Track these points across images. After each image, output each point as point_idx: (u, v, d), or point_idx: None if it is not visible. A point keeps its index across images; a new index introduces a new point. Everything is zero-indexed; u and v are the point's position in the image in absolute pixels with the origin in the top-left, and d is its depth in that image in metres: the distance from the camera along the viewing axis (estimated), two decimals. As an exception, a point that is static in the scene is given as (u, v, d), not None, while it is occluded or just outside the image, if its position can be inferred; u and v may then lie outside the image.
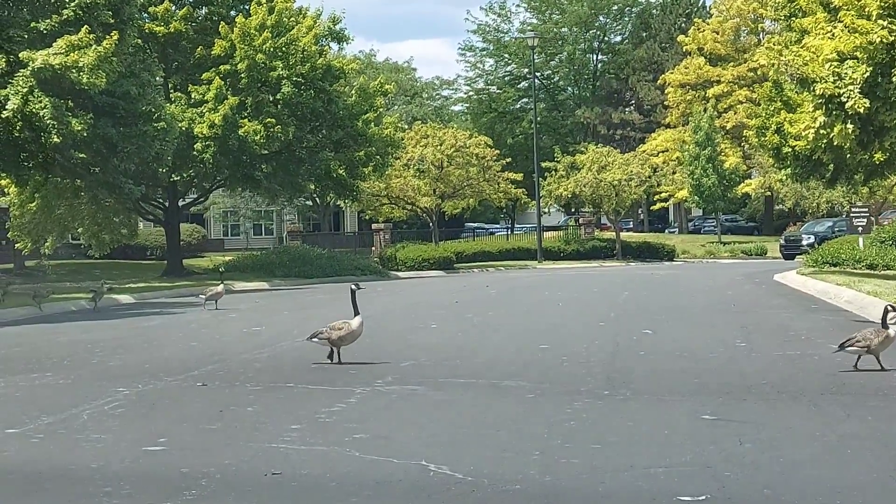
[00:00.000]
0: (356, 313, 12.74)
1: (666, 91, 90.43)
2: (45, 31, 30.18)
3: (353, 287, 13.07)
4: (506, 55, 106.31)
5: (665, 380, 11.28)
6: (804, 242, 57.48)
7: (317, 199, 69.03)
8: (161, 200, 47.48)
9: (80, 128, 28.95)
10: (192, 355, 14.87)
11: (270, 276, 43.02)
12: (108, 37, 29.98)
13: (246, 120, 41.39)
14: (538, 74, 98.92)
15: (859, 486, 6.62)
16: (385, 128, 47.92)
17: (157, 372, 12.86)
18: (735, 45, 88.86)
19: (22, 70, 28.83)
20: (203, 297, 25.19)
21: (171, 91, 44.45)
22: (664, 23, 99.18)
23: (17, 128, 28.93)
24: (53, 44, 29.28)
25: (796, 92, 26.31)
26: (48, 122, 28.43)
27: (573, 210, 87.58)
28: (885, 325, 12.25)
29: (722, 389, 10.47)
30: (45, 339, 18.71)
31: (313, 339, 13.00)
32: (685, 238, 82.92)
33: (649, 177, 65.50)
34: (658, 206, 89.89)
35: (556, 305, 23.87)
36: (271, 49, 42.25)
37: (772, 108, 28.84)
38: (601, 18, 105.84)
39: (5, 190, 41.77)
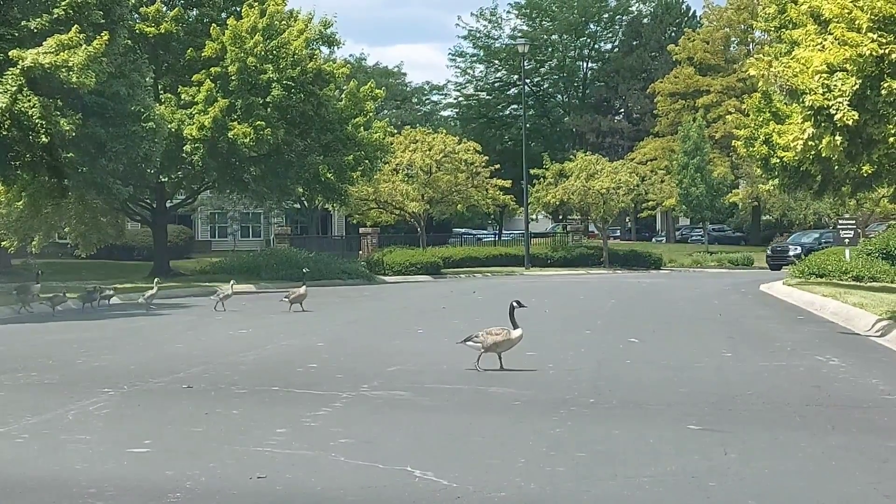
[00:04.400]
0: (515, 326, 12.69)
1: (655, 100, 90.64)
2: (35, 30, 30.07)
3: (514, 304, 13.01)
4: (496, 61, 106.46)
5: (651, 389, 11.29)
6: (791, 253, 57.56)
7: (305, 202, 68.86)
8: (149, 201, 47.33)
9: (68, 127, 28.85)
10: (178, 357, 14.83)
11: (257, 278, 42.89)
12: (98, 37, 29.88)
13: (235, 122, 41.31)
14: (528, 81, 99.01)
15: (844, 498, 6.64)
16: (374, 132, 47.87)
17: (142, 373, 12.83)
18: (725, 56, 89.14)
19: (11, 69, 28.72)
20: (286, 299, 24.77)
21: (161, 92, 44.34)
22: (654, 31, 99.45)
23: (6, 126, 28.81)
24: (43, 43, 29.18)
25: (785, 103, 26.37)
26: (37, 121, 28.32)
27: (561, 217, 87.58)
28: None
29: (708, 399, 10.48)
30: (30, 338, 18.64)
31: (467, 343, 12.86)
32: (672, 247, 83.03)
33: (637, 185, 65.55)
34: (646, 214, 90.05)
35: (542, 312, 23.89)
36: (262, 52, 42.19)
37: (760, 119, 28.91)
38: (591, 26, 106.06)
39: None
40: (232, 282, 26.70)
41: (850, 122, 17.25)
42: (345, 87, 48.11)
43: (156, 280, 28.21)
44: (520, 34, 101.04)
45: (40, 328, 20.96)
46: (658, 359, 14.09)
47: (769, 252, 63.95)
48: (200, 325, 21.49)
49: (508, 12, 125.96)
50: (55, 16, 30.40)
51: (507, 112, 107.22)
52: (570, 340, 16.41)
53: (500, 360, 12.70)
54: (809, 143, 18.11)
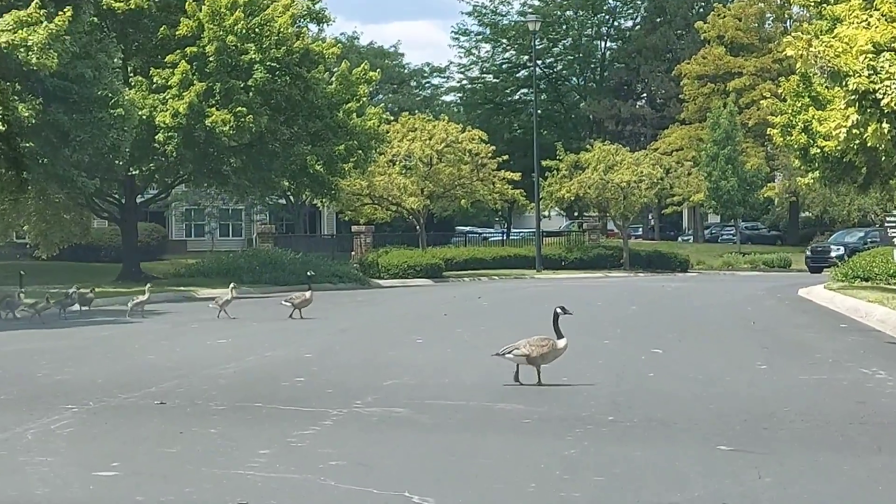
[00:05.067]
0: (559, 336, 12.69)
1: (681, 83, 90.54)
2: (-10, 6, 30.10)
3: (558, 310, 13.00)
4: (504, 40, 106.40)
5: (676, 405, 11.29)
6: (832, 254, 57.56)
7: (291, 197, 68.76)
8: (117, 196, 47.33)
9: (27, 114, 28.88)
10: (150, 370, 14.83)
11: (238, 281, 42.83)
12: (60, 13, 29.91)
13: (214, 108, 41.31)
14: (539, 62, 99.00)
15: (891, 526, 6.63)
16: (368, 119, 47.86)
17: (110, 388, 12.83)
18: (759, 34, 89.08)
19: (-37, 48, 28.75)
20: (288, 303, 24.77)
21: (131, 75, 44.33)
22: (680, 7, 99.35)
23: (-43, 113, 28.84)
24: None
25: (826, 87, 26.37)
26: (-8, 106, 28.34)
27: (576, 214, 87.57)
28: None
29: (739, 417, 10.48)
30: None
31: (506, 356, 12.77)
32: (700, 247, 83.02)
33: (661, 178, 65.53)
34: (671, 210, 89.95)
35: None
36: (243, 30, 42.18)
37: (799, 105, 28.90)
38: (610, 1, 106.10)
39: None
40: (232, 285, 26.63)
41: (898, 108, 17.25)
42: (335, 70, 48.11)
43: (147, 285, 28.18)
44: (530, 10, 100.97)
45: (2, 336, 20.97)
46: (684, 371, 14.08)
47: (808, 253, 63.94)
48: (175, 333, 21.49)
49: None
50: (13, -10, 30.43)
51: (517, 97, 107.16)
52: (586, 351, 16.41)
53: (538, 375, 12.67)
54: (853, 130, 18.12)
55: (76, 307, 27.32)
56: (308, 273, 27.97)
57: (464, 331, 20.94)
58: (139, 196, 48.44)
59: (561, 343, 12.68)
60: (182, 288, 39.48)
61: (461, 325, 22.41)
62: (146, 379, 13.68)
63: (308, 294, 24.88)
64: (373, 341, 19.22)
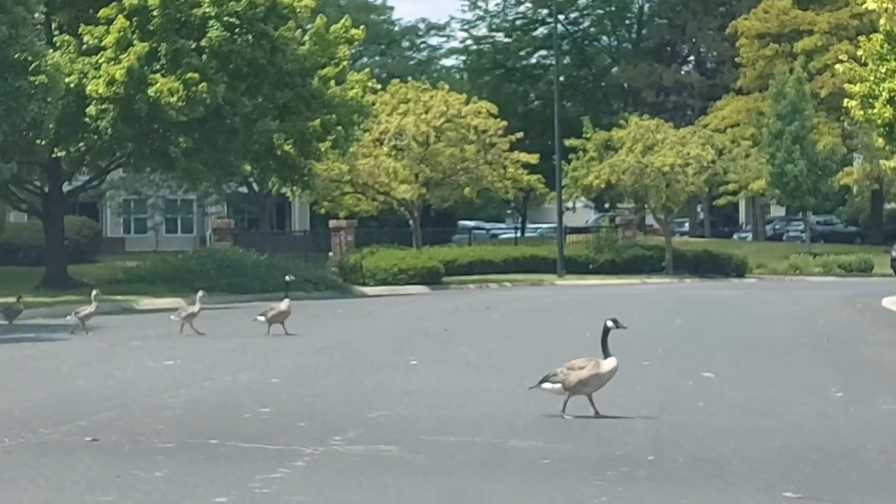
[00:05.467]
0: (607, 354, 12.72)
1: (737, 44, 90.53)
2: None
3: (609, 323, 13.00)
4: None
5: (731, 442, 11.29)
6: (925, 255, 57.58)
7: (254, 185, 68.80)
8: (38, 184, 47.30)
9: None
10: (81, 398, 14.81)
11: (189, 289, 42.75)
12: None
13: (159, 75, 41.29)
14: (562, 17, 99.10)
15: None
16: (350, 88, 47.83)
17: (30, 421, 12.81)
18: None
19: None
20: (262, 317, 24.72)
21: (56, 33, 44.33)
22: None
23: None
24: None
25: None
26: None
27: (607, 206, 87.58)
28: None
29: (809, 456, 10.48)
30: None
31: (542, 386, 12.81)
32: (761, 246, 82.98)
33: (712, 161, 65.53)
34: (724, 201, 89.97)
35: (582, 336, 23.85)
36: (195, -23, 42.25)
37: (883, 70, 28.93)
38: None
39: None
40: (200, 293, 26.46)
41: None
42: (309, 27, 48.06)
43: (94, 293, 28.09)
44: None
45: None
46: (741, 400, 14.07)
47: (894, 254, 63.86)
48: (111, 353, 21.47)
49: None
50: None
51: (534, 60, 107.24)
52: (620, 375, 16.38)
53: (591, 404, 12.68)
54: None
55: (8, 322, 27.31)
56: (286, 278, 27.95)
57: (468, 350, 20.92)
58: (66, 184, 48.38)
59: (607, 364, 12.64)
60: (119, 297, 39.46)
61: (465, 342, 22.40)
62: (75, 410, 13.65)
63: (284, 305, 24.79)
64: (356, 363, 19.21)
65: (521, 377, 16.60)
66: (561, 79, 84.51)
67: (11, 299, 29.28)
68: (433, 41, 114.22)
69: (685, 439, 11.43)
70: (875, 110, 29.32)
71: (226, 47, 42.22)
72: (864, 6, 27.68)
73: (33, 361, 20.26)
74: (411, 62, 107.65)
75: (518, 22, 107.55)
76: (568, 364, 12.75)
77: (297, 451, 10.86)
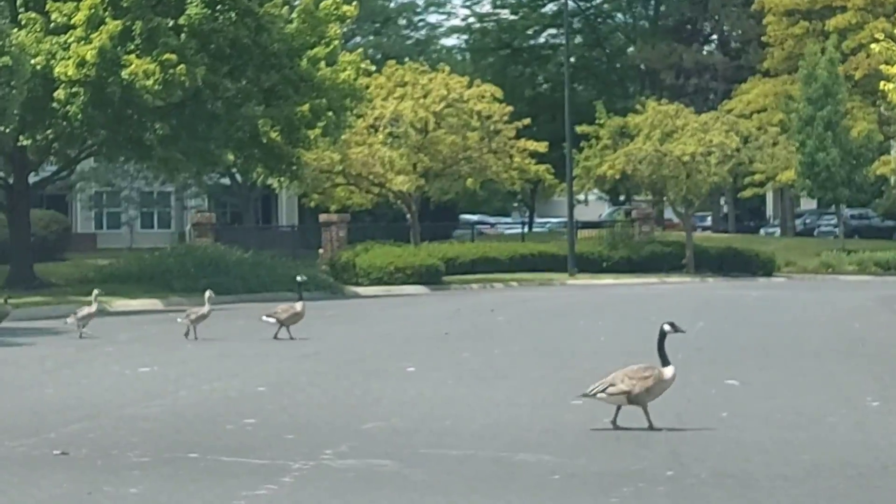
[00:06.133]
0: (665, 363, 12.77)
1: (764, 21, 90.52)
2: None
3: (667, 327, 13.07)
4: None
5: (757, 455, 11.29)
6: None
7: (237, 175, 68.77)
8: (2, 174, 47.34)
9: None
10: (48, 409, 14.82)
11: (166, 289, 42.88)
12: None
13: (133, 56, 41.29)
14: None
15: None
16: (341, 70, 47.81)
17: (-7, 433, 12.85)
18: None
19: None
20: (272, 318, 24.71)
21: (21, 10, 44.33)
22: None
23: None
24: None
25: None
26: None
27: (623, 198, 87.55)
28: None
29: (844, 472, 10.49)
30: None
31: (597, 396, 12.81)
32: (790, 242, 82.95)
33: (737, 150, 65.49)
34: (750, 193, 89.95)
35: (596, 340, 23.88)
36: (172, -51, 42.28)
37: (924, 50, 28.94)
38: None
39: None
40: (208, 293, 26.23)
41: None
42: (297, 3, 48.05)
43: (95, 292, 28.01)
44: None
45: None
46: (769, 411, 14.08)
47: (937, 250, 63.88)
48: (81, 360, 21.48)
49: None
50: None
51: (542, 40, 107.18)
52: (636, 383, 16.45)
53: (646, 416, 12.71)
54: None
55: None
56: (298, 278, 27.92)
57: (471, 356, 20.94)
58: (32, 175, 48.38)
59: (668, 372, 12.74)
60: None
61: (467, 348, 22.41)
62: (43, 421, 13.67)
63: (300, 306, 24.77)
64: (348, 370, 19.22)
65: (528, 386, 16.64)
66: (572, 60, 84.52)
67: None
68: (432, 19, 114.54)
69: (707, 453, 11.44)
70: (914, 94, 29.34)
71: (206, 26, 42.22)
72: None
73: (-3, 368, 20.27)
74: (409, 42, 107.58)
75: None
76: (624, 372, 12.76)
77: (284, 465, 10.88)
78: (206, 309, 25.19)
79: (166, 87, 41.07)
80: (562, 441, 12.10)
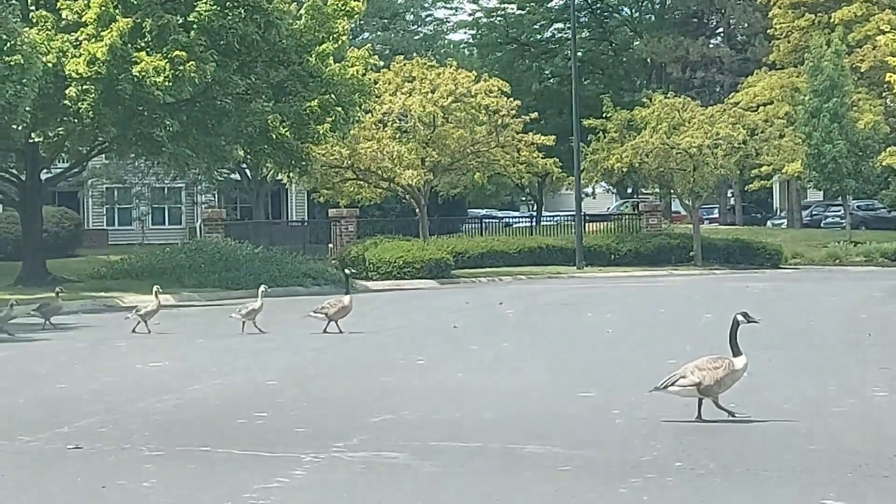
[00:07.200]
0: (737, 353, 12.75)
1: (770, 14, 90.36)
2: None
3: (739, 317, 13.04)
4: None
5: (766, 445, 11.30)
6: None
7: (247, 171, 68.75)
8: (14, 171, 47.34)
9: None
10: (62, 403, 14.84)
11: (178, 284, 42.89)
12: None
13: (144, 53, 41.30)
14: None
15: None
16: (350, 65, 47.79)
17: (7, 428, 12.84)
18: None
19: None
20: (320, 314, 24.49)
21: (32, 9, 44.34)
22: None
23: None
24: None
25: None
26: None
27: (630, 191, 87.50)
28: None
29: (851, 461, 10.48)
30: None
31: (668, 389, 12.77)
32: (797, 234, 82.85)
33: (744, 142, 65.38)
34: (757, 185, 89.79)
35: (603, 333, 23.87)
36: (181, -53, 42.27)
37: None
38: None
39: None
40: (262, 287, 25.85)
41: None
42: (305, 0, 48.02)
43: (155, 288, 27.62)
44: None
45: None
46: (776, 401, 14.08)
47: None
48: (95, 354, 21.50)
49: None
50: None
51: (549, 34, 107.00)
52: (645, 375, 16.41)
53: (719, 406, 12.65)
54: None
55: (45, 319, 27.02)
56: (346, 271, 27.77)
57: (480, 349, 20.93)
58: (44, 171, 48.42)
59: (739, 362, 12.68)
60: (102, 294, 39.49)
61: (476, 341, 22.41)
62: (56, 415, 13.68)
63: (347, 300, 24.53)
64: (358, 363, 19.23)
65: (537, 377, 16.64)
66: (579, 54, 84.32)
67: (50, 294, 29.05)
68: (440, 14, 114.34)
69: (715, 443, 11.44)
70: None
71: (216, 22, 42.21)
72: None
73: (10, 363, 20.28)
74: (416, 37, 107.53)
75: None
76: (695, 364, 12.71)
77: (295, 458, 10.88)
78: (258, 303, 24.70)
79: (176, 83, 41.06)
80: (571, 432, 12.10)
